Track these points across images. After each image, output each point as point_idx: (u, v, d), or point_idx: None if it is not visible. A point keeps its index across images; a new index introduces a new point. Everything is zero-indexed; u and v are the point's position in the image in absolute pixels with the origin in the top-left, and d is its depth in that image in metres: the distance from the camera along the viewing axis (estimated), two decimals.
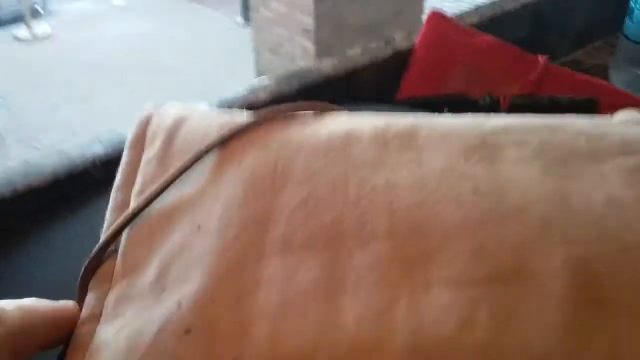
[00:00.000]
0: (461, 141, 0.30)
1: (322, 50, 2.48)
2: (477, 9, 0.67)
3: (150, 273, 0.27)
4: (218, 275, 0.26)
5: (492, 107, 0.56)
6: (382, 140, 0.30)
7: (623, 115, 0.34)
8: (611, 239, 0.26)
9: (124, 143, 0.32)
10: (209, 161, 0.30)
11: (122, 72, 3.07)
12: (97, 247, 0.28)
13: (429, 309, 0.24)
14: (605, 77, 0.71)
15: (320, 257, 0.26)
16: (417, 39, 0.60)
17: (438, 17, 0.61)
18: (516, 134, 0.31)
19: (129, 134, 0.32)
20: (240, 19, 3.55)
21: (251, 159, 0.30)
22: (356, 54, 0.58)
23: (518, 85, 0.58)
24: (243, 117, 0.32)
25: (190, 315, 0.24)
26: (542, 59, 0.59)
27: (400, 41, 0.61)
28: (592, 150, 0.30)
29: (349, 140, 0.31)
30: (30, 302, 0.25)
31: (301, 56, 2.68)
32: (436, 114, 0.34)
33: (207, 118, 0.33)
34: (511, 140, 0.30)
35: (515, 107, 0.56)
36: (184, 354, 0.24)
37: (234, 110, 0.34)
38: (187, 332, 0.24)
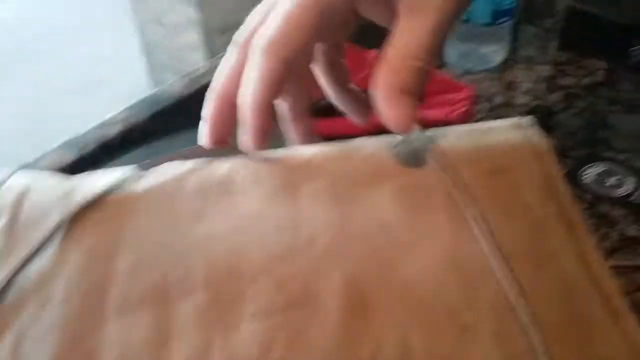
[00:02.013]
0: (269, 182, 0.36)
1: (208, 15, 2.44)
2: None
3: (6, 347, 0.30)
4: (64, 345, 0.30)
5: (330, 107, 0.61)
6: (203, 191, 0.36)
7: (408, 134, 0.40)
8: (376, 257, 0.32)
9: None
10: (53, 236, 0.34)
11: None
12: None
13: (238, 341, 0.30)
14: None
15: (151, 312, 0.31)
16: None
17: None
18: (315, 167, 0.36)
19: None
20: None
21: (89, 230, 0.34)
22: (202, 71, 0.62)
23: (355, 81, 0.63)
24: (84, 185, 0.36)
25: None
26: (372, 53, 0.64)
27: None
28: (372, 174, 0.36)
29: (174, 195, 0.35)
30: None
31: (186, 25, 2.63)
32: (254, 155, 0.39)
33: (48, 191, 0.36)
34: (310, 174, 0.36)
35: None
36: None
37: (75, 176, 0.38)
38: None
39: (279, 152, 0.39)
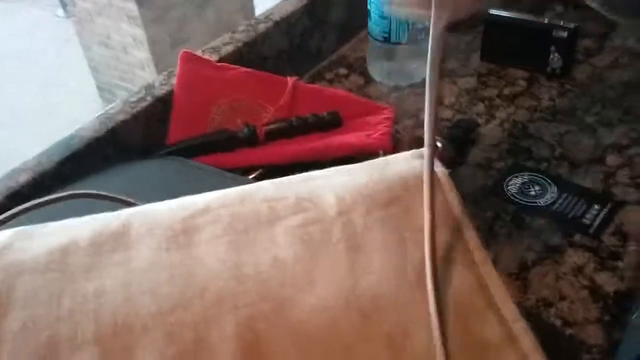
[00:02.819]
0: (165, 231, 0.35)
1: (154, 34, 2.42)
2: (232, 36, 0.71)
3: None
4: None
5: (251, 136, 0.60)
6: (96, 245, 0.35)
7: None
8: (270, 298, 0.31)
9: None
10: None
11: None
12: None
13: None
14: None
15: None
16: (174, 82, 0.63)
17: (189, 57, 0.64)
18: (213, 212, 0.36)
19: None
20: (61, 12, 3.36)
21: None
22: (115, 109, 0.60)
23: (273, 109, 0.63)
24: None
25: None
26: (290, 80, 0.64)
27: (159, 87, 0.64)
28: (270, 214, 0.35)
29: (67, 251, 0.34)
30: None
31: (133, 44, 2.60)
32: (153, 204, 0.38)
33: None
34: (207, 219, 0.36)
35: (271, 133, 0.61)
36: None
37: None
38: None
39: (178, 201, 0.38)
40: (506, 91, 0.73)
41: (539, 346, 0.31)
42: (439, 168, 0.39)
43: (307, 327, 0.30)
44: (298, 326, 0.30)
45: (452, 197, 0.37)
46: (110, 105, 0.61)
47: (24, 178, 0.54)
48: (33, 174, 0.54)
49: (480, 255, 0.34)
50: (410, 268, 0.33)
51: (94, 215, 0.37)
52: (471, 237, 0.35)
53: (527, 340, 0.31)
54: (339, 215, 0.35)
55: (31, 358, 0.30)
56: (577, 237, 0.54)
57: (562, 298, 0.49)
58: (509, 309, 0.32)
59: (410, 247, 0.34)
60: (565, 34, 0.71)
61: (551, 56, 0.73)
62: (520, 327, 0.31)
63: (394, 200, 0.36)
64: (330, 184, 0.38)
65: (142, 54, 2.52)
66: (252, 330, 0.30)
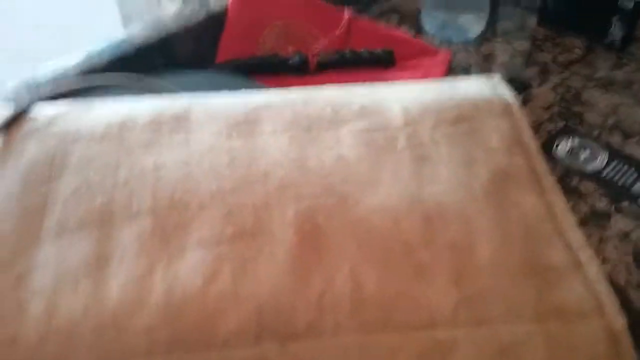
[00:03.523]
0: (226, 119, 0.34)
1: None
2: None
3: None
4: None
5: (302, 64, 0.59)
6: (156, 124, 0.34)
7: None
8: (332, 192, 0.31)
9: None
10: None
11: None
12: None
13: (182, 269, 0.28)
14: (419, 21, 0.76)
15: (91, 236, 0.29)
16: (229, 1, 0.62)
17: None
18: (274, 109, 0.35)
19: None
20: None
21: (30, 153, 0.32)
22: (168, 19, 0.59)
23: (326, 40, 0.61)
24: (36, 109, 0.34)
25: None
26: (347, 14, 0.62)
27: (214, 2, 0.62)
28: (334, 117, 0.35)
29: (125, 126, 0.34)
30: None
31: None
32: (212, 95, 0.37)
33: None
34: (269, 114, 0.35)
35: (322, 64, 0.59)
36: None
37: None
38: None
39: (239, 95, 0.37)
40: (561, 58, 0.71)
41: (603, 275, 0.30)
42: (510, 94, 0.38)
43: (368, 224, 0.29)
44: (359, 222, 0.30)
45: (522, 123, 0.36)
46: (163, 14, 0.60)
47: (72, 73, 0.53)
48: (78, 73, 0.53)
49: (548, 181, 0.33)
50: (477, 185, 0.32)
51: (152, 98, 0.37)
52: (540, 163, 0.34)
53: (592, 268, 0.30)
54: (404, 126, 0.34)
55: (82, 221, 0.30)
56: (625, 204, 0.52)
57: (605, 261, 0.48)
58: (576, 237, 0.31)
59: (478, 166, 0.33)
60: (632, 5, 0.69)
61: (613, 26, 0.71)
62: (586, 255, 0.30)
63: (462, 118, 0.35)
64: (397, 97, 0.37)
65: None
66: (312, 221, 0.30)
